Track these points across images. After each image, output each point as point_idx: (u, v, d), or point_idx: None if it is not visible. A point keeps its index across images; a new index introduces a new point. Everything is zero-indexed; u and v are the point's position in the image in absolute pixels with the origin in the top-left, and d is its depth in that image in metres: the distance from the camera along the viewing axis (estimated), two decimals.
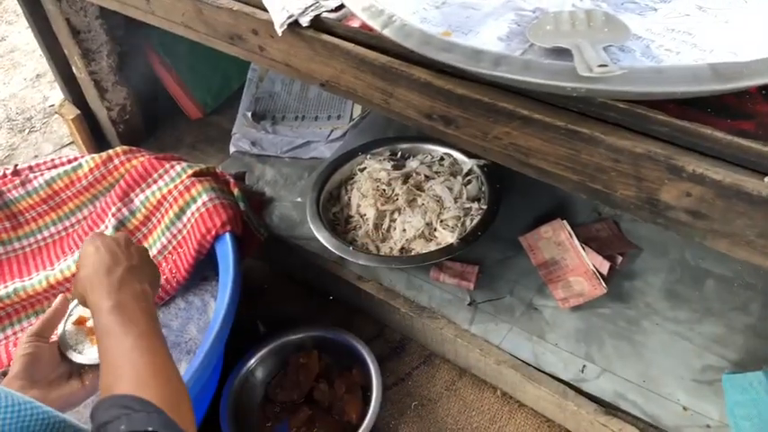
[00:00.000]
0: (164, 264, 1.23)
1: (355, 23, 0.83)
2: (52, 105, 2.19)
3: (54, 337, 0.93)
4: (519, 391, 1.12)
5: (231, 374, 1.19)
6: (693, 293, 1.15)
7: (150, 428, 0.60)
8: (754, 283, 1.15)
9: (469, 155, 1.34)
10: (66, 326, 0.94)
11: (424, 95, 0.78)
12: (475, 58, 0.60)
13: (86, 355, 0.91)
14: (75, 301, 0.97)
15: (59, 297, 0.95)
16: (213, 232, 1.16)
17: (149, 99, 1.64)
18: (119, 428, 0.59)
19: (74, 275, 1.23)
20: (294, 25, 0.86)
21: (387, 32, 0.67)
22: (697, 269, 1.19)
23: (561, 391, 1.06)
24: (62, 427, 0.59)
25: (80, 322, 0.95)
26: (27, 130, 2.12)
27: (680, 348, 1.08)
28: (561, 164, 0.71)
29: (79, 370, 0.91)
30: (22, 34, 2.58)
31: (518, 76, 0.57)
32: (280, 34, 0.86)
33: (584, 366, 1.08)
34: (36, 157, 1.42)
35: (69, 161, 1.33)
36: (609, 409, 1.03)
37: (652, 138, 0.64)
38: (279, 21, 0.85)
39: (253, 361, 1.20)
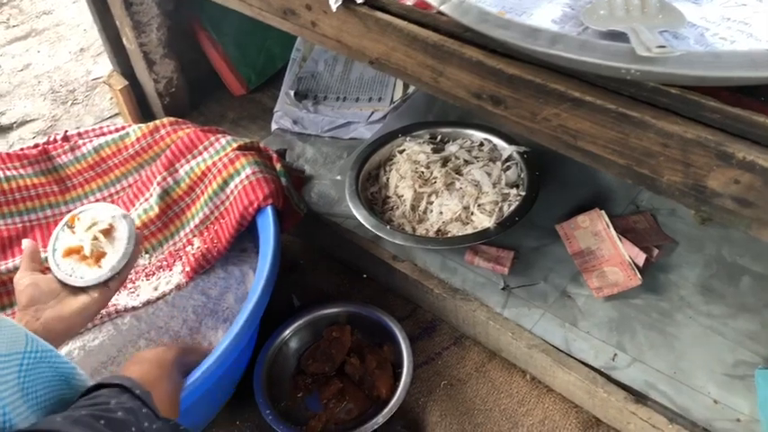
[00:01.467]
0: (205, 233, 1.26)
1: (409, 1, 0.85)
2: (95, 79, 2.23)
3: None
4: (548, 375, 1.13)
5: (266, 344, 1.21)
6: (729, 289, 1.15)
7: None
8: None
9: (509, 141, 1.35)
10: (55, 260, 1.00)
11: (475, 74, 0.79)
12: (532, 35, 0.61)
13: (87, 277, 0.97)
14: (55, 236, 1.03)
15: (25, 241, 1.02)
16: (255, 205, 1.19)
17: (195, 73, 1.67)
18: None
19: None
20: (348, 2, 0.87)
21: (444, 8, 0.69)
22: (733, 265, 1.18)
23: (591, 377, 1.07)
24: (70, 374, 0.63)
25: (70, 252, 1.00)
26: (70, 102, 2.17)
27: (713, 342, 1.08)
28: (609, 147, 0.72)
29: (84, 290, 0.97)
30: (69, 9, 2.62)
31: (575, 55, 0.58)
32: (334, 10, 0.88)
33: (615, 355, 1.09)
34: (78, 128, 1.47)
35: (117, 130, 1.37)
36: (638, 397, 1.03)
37: (703, 124, 0.65)
38: None
39: (287, 332, 1.23)
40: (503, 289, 1.20)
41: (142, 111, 1.68)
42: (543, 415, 1.12)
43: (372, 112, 1.56)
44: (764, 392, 0.98)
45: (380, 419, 1.08)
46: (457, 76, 0.81)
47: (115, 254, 1.01)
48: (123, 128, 1.36)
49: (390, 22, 0.85)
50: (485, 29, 0.65)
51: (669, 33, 0.68)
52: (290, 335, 1.23)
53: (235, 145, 1.26)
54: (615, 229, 1.21)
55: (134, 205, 1.31)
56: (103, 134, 1.36)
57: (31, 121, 2.07)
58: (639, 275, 1.15)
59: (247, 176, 1.21)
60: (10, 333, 0.60)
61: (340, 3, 0.86)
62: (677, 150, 0.66)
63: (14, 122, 2.07)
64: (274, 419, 1.12)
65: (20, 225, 1.31)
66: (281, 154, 1.44)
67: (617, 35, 0.66)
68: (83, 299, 0.95)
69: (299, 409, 1.18)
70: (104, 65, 2.28)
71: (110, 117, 2.03)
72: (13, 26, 2.56)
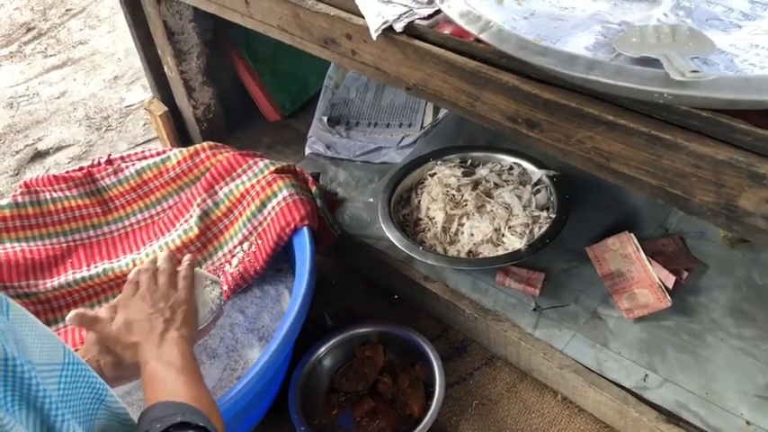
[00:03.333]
0: (241, 254, 1.30)
1: (446, 30, 0.89)
2: (128, 106, 2.31)
3: None
4: (580, 395, 1.14)
5: (300, 362, 1.24)
6: (759, 312, 1.16)
7: (202, 424, 0.70)
8: None
9: (539, 165, 1.38)
10: None
11: (510, 99, 0.83)
12: (569, 62, 0.64)
13: None
14: None
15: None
16: (292, 225, 1.22)
17: (232, 100, 1.73)
18: (174, 420, 0.68)
19: None
20: (388, 30, 0.92)
21: (484, 36, 0.72)
22: (764, 288, 1.19)
23: (623, 397, 1.08)
24: (103, 393, 0.64)
25: None
26: (104, 129, 2.24)
27: (744, 364, 1.09)
28: (642, 168, 0.75)
29: None
30: (103, 38, 2.71)
31: (611, 80, 0.62)
32: (374, 38, 0.92)
33: (646, 375, 1.10)
34: (120, 153, 1.54)
35: (159, 153, 1.42)
36: (670, 417, 1.04)
37: (734, 146, 0.68)
38: (374, 26, 0.91)
39: (321, 350, 1.26)
40: (534, 310, 1.22)
41: (180, 136, 1.74)
42: None
43: (403, 138, 1.60)
44: None
45: None
46: (493, 100, 0.85)
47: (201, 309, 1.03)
48: (164, 151, 1.41)
49: (429, 50, 0.89)
50: (523, 55, 0.69)
51: (699, 60, 0.71)
52: (324, 353, 1.26)
53: (272, 168, 1.31)
54: (644, 251, 1.23)
55: (174, 226, 1.35)
56: (145, 158, 1.42)
57: (66, 146, 2.14)
58: (669, 297, 1.16)
59: (284, 198, 1.25)
60: (50, 343, 0.60)
61: (380, 32, 0.90)
62: (709, 171, 0.69)
63: (51, 148, 2.14)
64: None
65: (64, 245, 1.36)
66: (315, 177, 1.48)
67: (649, 62, 0.69)
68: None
69: (333, 427, 1.20)
70: (137, 92, 2.36)
71: (143, 143, 2.10)
72: (51, 55, 2.65)
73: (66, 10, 2.93)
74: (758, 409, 1.03)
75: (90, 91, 2.41)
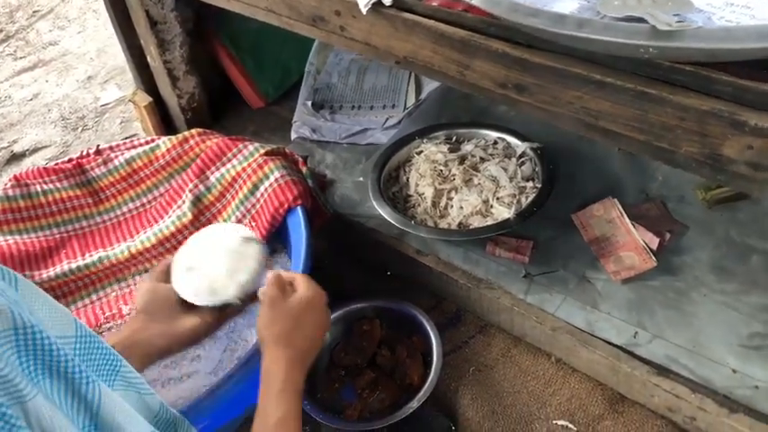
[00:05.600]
0: None
1: (434, 3, 0.92)
2: (104, 105, 2.30)
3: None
4: (573, 356, 1.18)
5: None
6: (739, 267, 1.21)
7: None
8: None
9: (522, 138, 1.41)
10: (179, 274, 1.01)
11: (500, 65, 0.86)
12: (560, 21, 0.68)
13: (202, 297, 0.98)
14: (185, 252, 1.04)
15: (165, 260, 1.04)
16: (286, 206, 1.25)
17: (216, 89, 1.74)
18: None
19: (154, 246, 1.32)
20: (377, 5, 0.94)
21: (476, 2, 0.75)
22: (742, 245, 1.24)
23: (615, 354, 1.12)
24: (118, 364, 0.64)
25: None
26: (80, 129, 2.23)
27: (728, 317, 1.14)
28: (629, 124, 0.79)
29: (196, 311, 0.98)
30: (74, 39, 2.69)
31: (600, 36, 0.65)
32: (364, 13, 0.94)
33: (636, 333, 1.15)
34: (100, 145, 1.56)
35: (147, 142, 1.43)
36: (661, 371, 1.09)
37: (716, 96, 0.72)
38: (364, 0, 0.93)
39: None
40: (524, 277, 1.26)
41: (166, 126, 1.75)
42: (570, 394, 1.17)
43: (387, 119, 1.63)
44: None
45: (415, 404, 1.13)
46: (483, 68, 0.88)
47: (243, 274, 1.00)
48: (153, 140, 1.42)
49: (418, 22, 0.91)
50: (516, 18, 0.72)
51: (679, 17, 0.75)
52: None
53: (262, 151, 1.33)
54: (628, 216, 1.28)
55: (167, 213, 1.37)
56: (134, 147, 1.43)
57: (43, 147, 2.12)
58: (654, 258, 1.21)
59: (276, 180, 1.27)
60: (61, 317, 0.60)
61: (370, 6, 0.93)
62: (693, 122, 0.73)
63: (27, 150, 2.12)
64: (313, 409, 1.17)
65: (57, 236, 1.37)
66: (305, 159, 1.50)
67: (633, 20, 0.72)
68: (193, 321, 0.96)
69: (335, 400, 1.22)
70: (112, 91, 2.35)
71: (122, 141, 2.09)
72: (21, 57, 2.63)
73: (34, 11, 2.90)
74: (743, 357, 1.08)
75: (63, 92, 2.40)
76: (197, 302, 0.97)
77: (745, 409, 1.02)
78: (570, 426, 1.12)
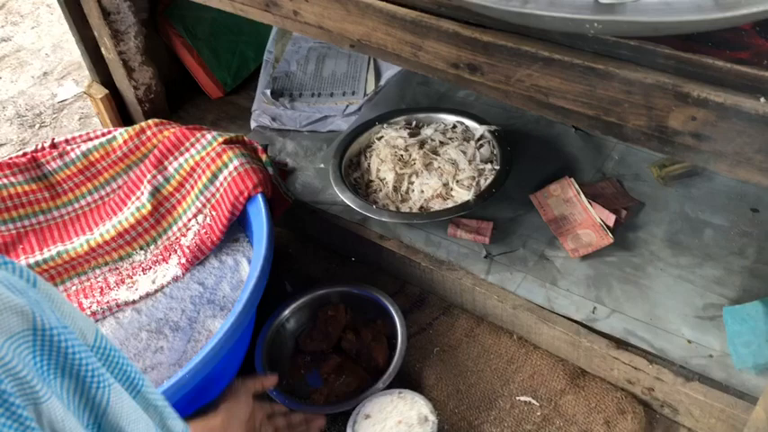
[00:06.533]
0: (197, 227, 1.31)
1: None
2: (61, 101, 2.26)
3: None
4: (534, 333, 1.20)
5: (264, 327, 1.26)
6: (694, 241, 1.24)
7: None
8: (750, 230, 1.24)
9: (480, 121, 1.43)
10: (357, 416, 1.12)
11: (452, 45, 0.87)
12: None
13: None
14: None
15: None
16: (246, 194, 1.24)
17: (172, 79, 1.72)
18: None
19: (113, 239, 1.31)
20: None
21: None
22: (696, 220, 1.28)
23: (575, 329, 1.14)
24: (139, 383, 0.61)
25: None
26: (37, 126, 2.19)
27: (683, 290, 1.17)
28: (578, 100, 0.80)
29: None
30: (27, 34, 2.63)
31: (546, 12, 0.66)
32: None
33: (594, 308, 1.17)
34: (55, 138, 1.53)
35: (104, 134, 1.41)
36: (619, 344, 1.11)
37: (660, 70, 0.73)
38: None
39: (284, 315, 1.28)
40: (485, 257, 1.28)
41: (123, 118, 1.72)
42: (532, 370, 1.19)
43: (347, 106, 1.63)
44: (732, 328, 1.07)
45: (380, 385, 1.14)
46: (435, 48, 0.89)
47: None
48: (110, 132, 1.40)
49: (370, 4, 0.92)
50: None
51: None
52: (287, 317, 1.29)
53: (221, 139, 1.32)
54: (585, 195, 1.30)
55: (126, 205, 1.35)
56: (90, 139, 1.40)
57: None
58: (611, 235, 1.23)
59: (235, 168, 1.27)
60: (81, 323, 0.56)
61: None
62: (640, 96, 0.74)
63: None
64: (278, 395, 1.17)
65: (14, 232, 1.34)
66: (264, 148, 1.49)
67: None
68: None
69: (301, 386, 1.23)
70: (69, 87, 2.31)
71: None
72: None
73: None
74: (697, 328, 1.11)
75: (18, 88, 2.35)
76: None
77: (700, 377, 1.05)
78: (533, 401, 1.14)
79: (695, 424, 1.07)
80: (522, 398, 1.15)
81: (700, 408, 1.04)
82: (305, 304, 1.31)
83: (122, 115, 1.72)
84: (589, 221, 1.27)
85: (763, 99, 0.67)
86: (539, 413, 1.12)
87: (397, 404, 1.10)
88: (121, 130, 1.40)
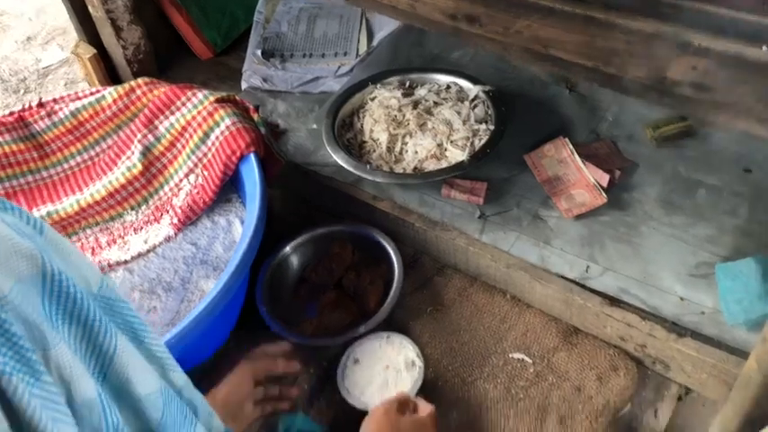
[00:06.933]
0: (188, 187, 1.30)
1: None
2: (46, 67, 2.22)
3: None
4: (527, 292, 1.21)
5: (269, 256, 1.28)
6: (687, 201, 1.24)
7: None
8: (742, 190, 1.24)
9: (474, 81, 1.42)
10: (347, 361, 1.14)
11: None
12: None
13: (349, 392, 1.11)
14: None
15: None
16: (238, 153, 1.23)
17: (161, 39, 1.69)
18: None
19: (104, 199, 1.30)
20: None
21: None
22: (689, 180, 1.28)
23: (568, 288, 1.15)
24: (142, 334, 0.59)
25: None
26: (22, 91, 2.16)
27: (676, 248, 1.18)
28: (578, 51, 0.79)
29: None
30: None
31: None
32: None
33: (588, 266, 1.17)
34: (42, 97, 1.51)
35: (93, 93, 1.39)
36: (612, 301, 1.12)
37: (661, 19, 0.72)
38: None
39: (288, 248, 1.29)
40: (479, 217, 1.28)
41: (112, 79, 1.69)
42: (525, 329, 1.19)
43: (339, 66, 1.61)
44: (724, 285, 1.08)
45: (362, 329, 1.15)
46: None
47: (395, 391, 1.07)
48: (99, 91, 1.38)
49: None
50: None
51: None
52: (291, 250, 1.30)
53: (212, 98, 1.30)
54: (579, 155, 1.30)
55: (116, 165, 1.34)
56: (79, 98, 1.38)
57: None
58: (604, 195, 1.24)
59: (227, 127, 1.25)
60: (87, 271, 0.55)
61: None
62: (640, 45, 0.74)
63: None
64: (269, 317, 1.18)
65: (2, 191, 1.33)
66: (256, 108, 1.48)
67: None
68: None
69: (297, 314, 1.24)
70: (54, 52, 2.27)
71: None
72: None
73: None
74: (690, 285, 1.12)
75: (2, 53, 2.31)
76: (342, 391, 1.10)
77: (692, 333, 1.06)
78: (526, 358, 1.15)
79: (687, 380, 1.08)
80: (515, 355, 1.16)
81: (692, 363, 1.05)
82: (315, 238, 1.31)
83: (111, 77, 1.69)
84: (583, 182, 1.27)
85: (764, 47, 0.67)
86: (531, 370, 1.13)
87: (385, 349, 1.12)
88: (111, 89, 1.38)
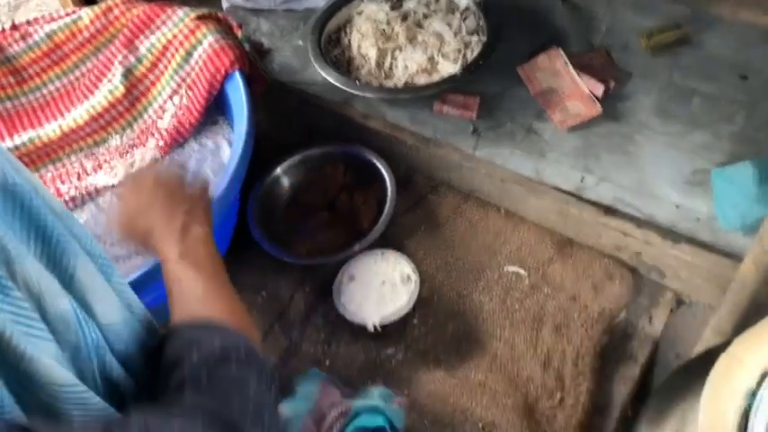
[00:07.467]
0: (173, 108, 1.26)
1: None
2: None
3: None
4: (522, 205, 1.20)
5: (260, 179, 1.26)
6: (682, 110, 1.22)
7: (242, 344, 0.59)
8: (739, 97, 1.22)
9: None
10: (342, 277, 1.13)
11: None
12: None
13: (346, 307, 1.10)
14: None
15: None
16: (223, 71, 1.19)
17: None
18: (213, 344, 0.58)
19: (87, 123, 1.26)
20: None
21: None
22: (684, 89, 1.25)
23: (563, 199, 1.14)
24: (87, 243, 0.56)
25: None
26: None
27: (671, 156, 1.16)
28: None
29: None
30: None
31: None
32: None
33: (583, 177, 1.16)
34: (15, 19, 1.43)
35: (68, 14, 1.33)
36: (608, 211, 1.11)
37: None
38: None
39: (279, 170, 1.28)
40: (472, 133, 1.25)
41: (87, 4, 1.62)
42: (520, 242, 1.19)
43: None
44: (720, 189, 1.07)
45: (357, 247, 1.14)
46: None
47: (392, 305, 1.08)
48: (74, 11, 1.33)
49: None
50: None
51: None
52: (283, 171, 1.28)
53: (193, 15, 1.25)
54: (573, 66, 1.27)
55: (97, 87, 1.30)
56: (54, 20, 1.33)
57: None
58: (599, 105, 1.21)
59: (210, 44, 1.21)
60: (45, 190, 0.53)
61: None
62: None
63: None
64: (262, 239, 1.17)
65: None
66: (239, 25, 1.43)
67: None
68: None
69: (289, 234, 1.23)
70: None
71: None
72: None
73: None
74: (685, 193, 1.11)
75: None
76: (339, 307, 1.10)
77: (687, 239, 1.05)
78: (521, 271, 1.15)
79: (682, 286, 1.09)
80: (510, 268, 1.15)
81: (687, 269, 1.05)
82: (304, 159, 1.29)
83: (87, 1, 1.62)
84: (577, 92, 1.24)
85: None
86: (527, 282, 1.13)
87: (380, 265, 1.12)
88: (87, 9, 1.33)
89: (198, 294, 0.67)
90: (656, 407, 0.81)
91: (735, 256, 1.02)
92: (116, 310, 0.57)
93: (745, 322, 0.88)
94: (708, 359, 0.67)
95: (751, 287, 0.88)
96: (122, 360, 0.56)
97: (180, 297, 0.68)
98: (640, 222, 1.09)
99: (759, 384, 0.64)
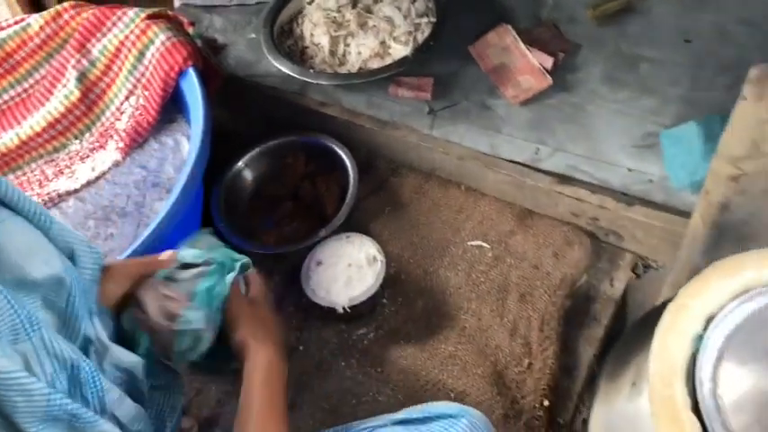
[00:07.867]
0: (130, 109, 1.27)
1: None
2: None
3: None
4: (481, 181, 1.22)
5: (223, 173, 1.27)
6: (630, 77, 1.25)
7: None
8: (683, 60, 1.25)
9: None
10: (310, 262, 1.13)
11: None
12: None
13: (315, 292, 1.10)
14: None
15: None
16: (177, 68, 1.20)
17: None
18: None
19: (44, 130, 1.26)
20: None
21: None
22: (632, 57, 1.28)
23: (519, 171, 1.16)
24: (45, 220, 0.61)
25: None
26: None
27: (622, 122, 1.19)
28: None
29: None
30: None
31: None
32: None
33: (537, 149, 1.19)
34: None
35: (17, 22, 1.33)
36: (563, 179, 1.14)
37: None
38: None
39: (241, 163, 1.29)
40: (428, 113, 1.27)
41: (37, 7, 1.61)
42: (481, 217, 1.21)
43: None
44: (669, 151, 1.10)
45: (322, 233, 1.16)
46: None
47: (360, 286, 1.08)
48: (23, 19, 1.32)
49: None
50: None
51: None
52: (245, 164, 1.29)
53: (144, 15, 1.26)
54: (522, 41, 1.29)
55: (52, 93, 1.30)
56: (2, 28, 1.32)
57: None
58: (549, 77, 1.24)
59: (162, 43, 1.21)
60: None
61: None
62: None
63: None
64: (228, 232, 1.18)
65: None
66: (191, 22, 1.43)
67: None
68: None
69: (254, 228, 1.25)
70: None
71: None
72: None
73: None
74: (636, 157, 1.14)
75: None
76: (308, 293, 1.10)
77: (641, 201, 1.09)
78: (484, 244, 1.17)
79: (639, 247, 1.12)
80: (474, 242, 1.18)
81: (642, 230, 1.08)
82: (265, 151, 1.30)
83: (35, 6, 1.61)
84: (528, 67, 1.27)
85: None
86: (490, 254, 1.16)
87: (346, 249, 1.13)
88: (36, 15, 1.32)
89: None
90: (615, 361, 0.85)
91: (687, 214, 1.05)
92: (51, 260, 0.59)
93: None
94: (661, 312, 0.70)
95: (701, 241, 0.91)
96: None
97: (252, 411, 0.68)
98: (595, 188, 1.12)
99: (705, 328, 0.67)
